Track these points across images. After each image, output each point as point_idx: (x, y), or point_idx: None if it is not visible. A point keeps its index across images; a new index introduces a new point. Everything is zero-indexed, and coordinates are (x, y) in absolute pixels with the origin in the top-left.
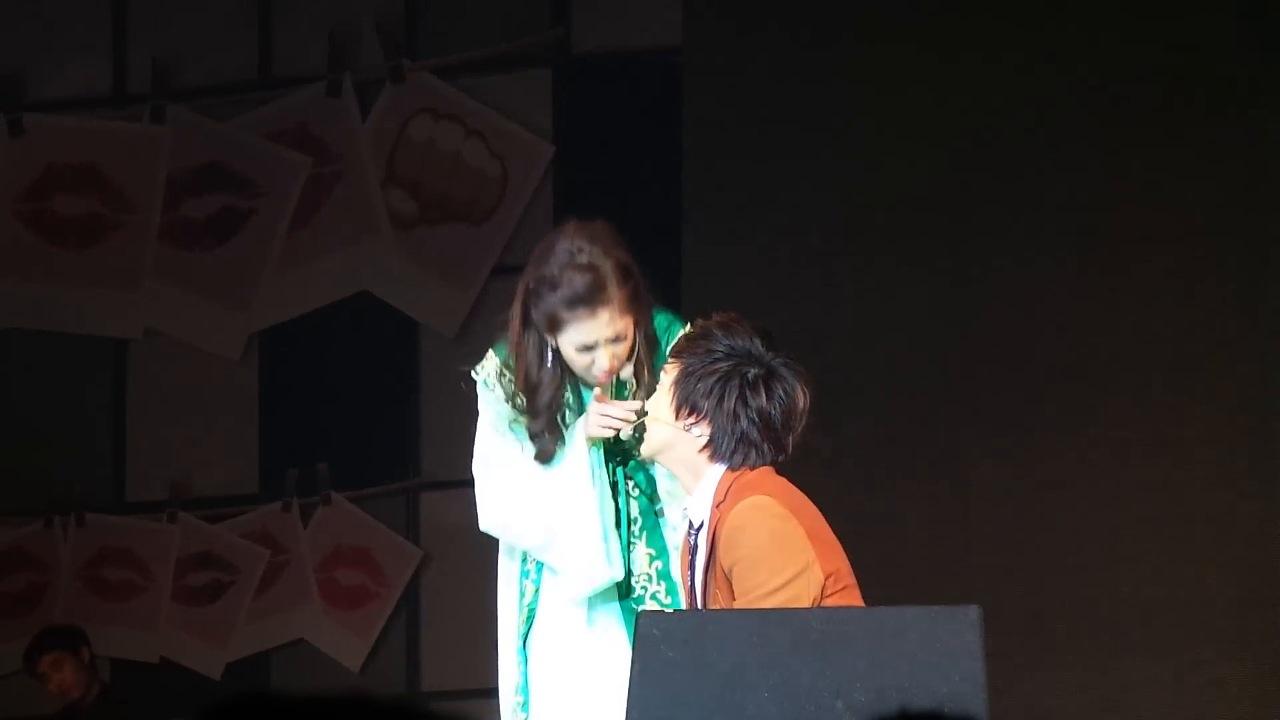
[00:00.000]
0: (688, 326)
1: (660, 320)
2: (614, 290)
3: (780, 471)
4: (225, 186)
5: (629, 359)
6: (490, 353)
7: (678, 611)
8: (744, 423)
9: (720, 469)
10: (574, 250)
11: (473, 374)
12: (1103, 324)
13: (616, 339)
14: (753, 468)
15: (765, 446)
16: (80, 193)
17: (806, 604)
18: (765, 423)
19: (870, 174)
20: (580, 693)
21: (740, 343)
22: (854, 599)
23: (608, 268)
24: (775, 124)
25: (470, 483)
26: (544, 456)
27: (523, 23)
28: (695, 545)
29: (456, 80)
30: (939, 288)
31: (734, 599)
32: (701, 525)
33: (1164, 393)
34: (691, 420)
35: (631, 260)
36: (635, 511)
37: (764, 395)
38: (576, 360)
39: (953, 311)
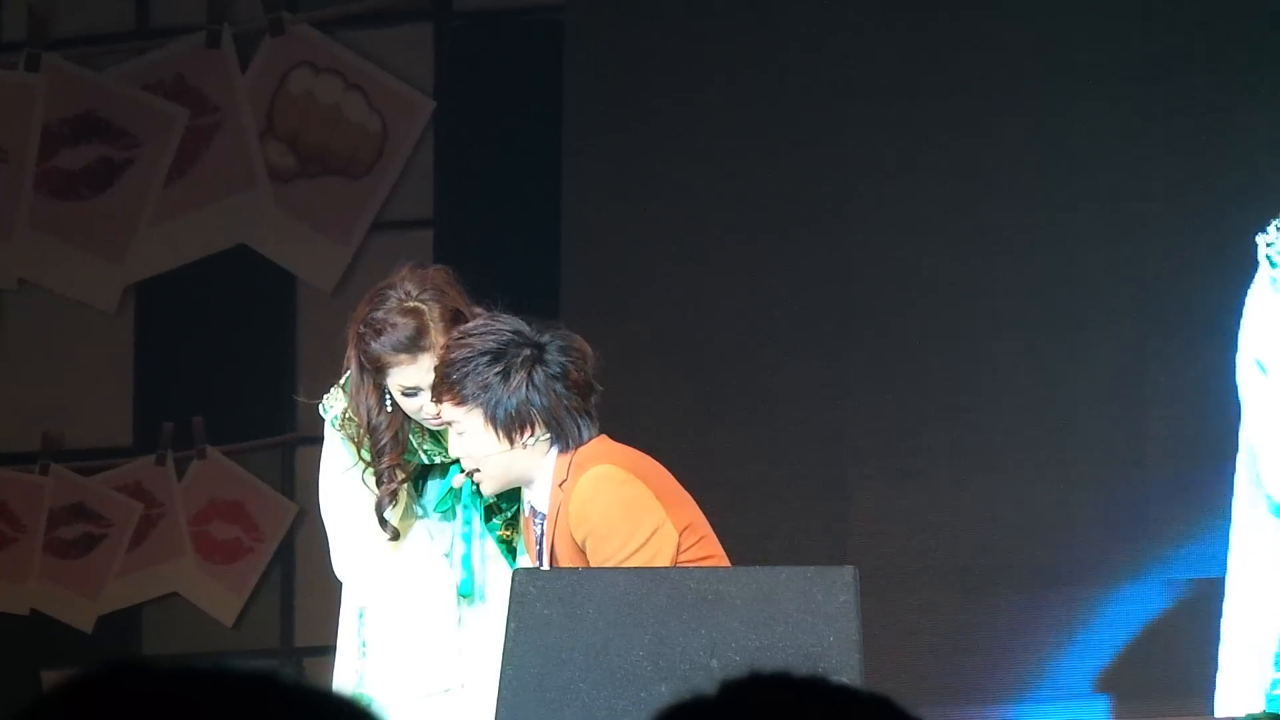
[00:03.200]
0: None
1: None
2: (437, 336)
3: (633, 442)
4: (101, 136)
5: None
6: (338, 390)
7: (554, 569)
8: (565, 399)
9: (553, 455)
10: (401, 296)
11: (320, 410)
12: (983, 283)
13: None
14: (581, 437)
15: (587, 401)
16: None
17: (665, 564)
18: (577, 385)
19: (752, 132)
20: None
21: (494, 341)
22: (713, 548)
23: (435, 314)
24: (658, 81)
25: None
26: (392, 499)
27: None
28: (542, 534)
29: (337, 33)
30: (821, 249)
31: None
32: (544, 511)
33: (1045, 356)
34: (528, 434)
35: (465, 306)
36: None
37: (559, 358)
38: (404, 403)
39: (836, 275)
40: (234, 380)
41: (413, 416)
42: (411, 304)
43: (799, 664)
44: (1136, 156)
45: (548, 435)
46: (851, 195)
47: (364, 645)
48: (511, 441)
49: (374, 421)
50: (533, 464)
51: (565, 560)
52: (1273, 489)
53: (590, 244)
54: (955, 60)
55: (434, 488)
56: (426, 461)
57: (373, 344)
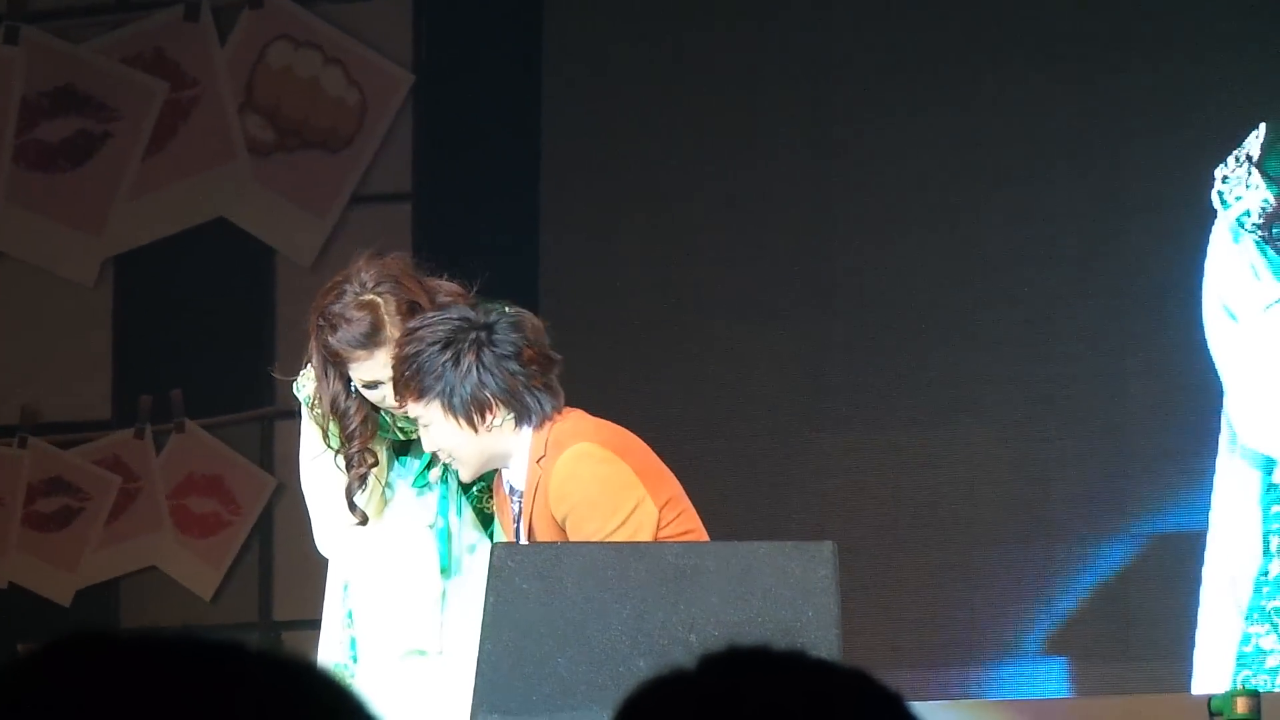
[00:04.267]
0: None
1: None
2: (392, 330)
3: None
4: (80, 109)
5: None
6: (309, 370)
7: (534, 544)
8: (523, 378)
9: (527, 433)
10: (357, 289)
11: (294, 389)
12: (956, 275)
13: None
14: (551, 412)
15: (548, 374)
16: None
17: (646, 540)
18: (535, 361)
19: (736, 107)
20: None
21: (443, 329)
22: (691, 522)
23: (390, 307)
24: (638, 55)
25: None
26: (360, 482)
27: None
28: (519, 512)
29: (316, 7)
30: (801, 226)
31: None
32: (522, 488)
33: (1022, 340)
34: (491, 416)
35: (423, 295)
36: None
37: (514, 338)
38: (367, 394)
39: (817, 254)
40: (213, 354)
41: (379, 406)
42: (367, 297)
43: (778, 639)
44: (1115, 140)
45: (510, 414)
46: (834, 169)
47: (350, 615)
48: (475, 426)
49: (341, 407)
50: (505, 445)
51: (544, 538)
52: (1242, 432)
53: (569, 218)
54: (942, 43)
55: (413, 463)
56: (402, 438)
57: (330, 338)
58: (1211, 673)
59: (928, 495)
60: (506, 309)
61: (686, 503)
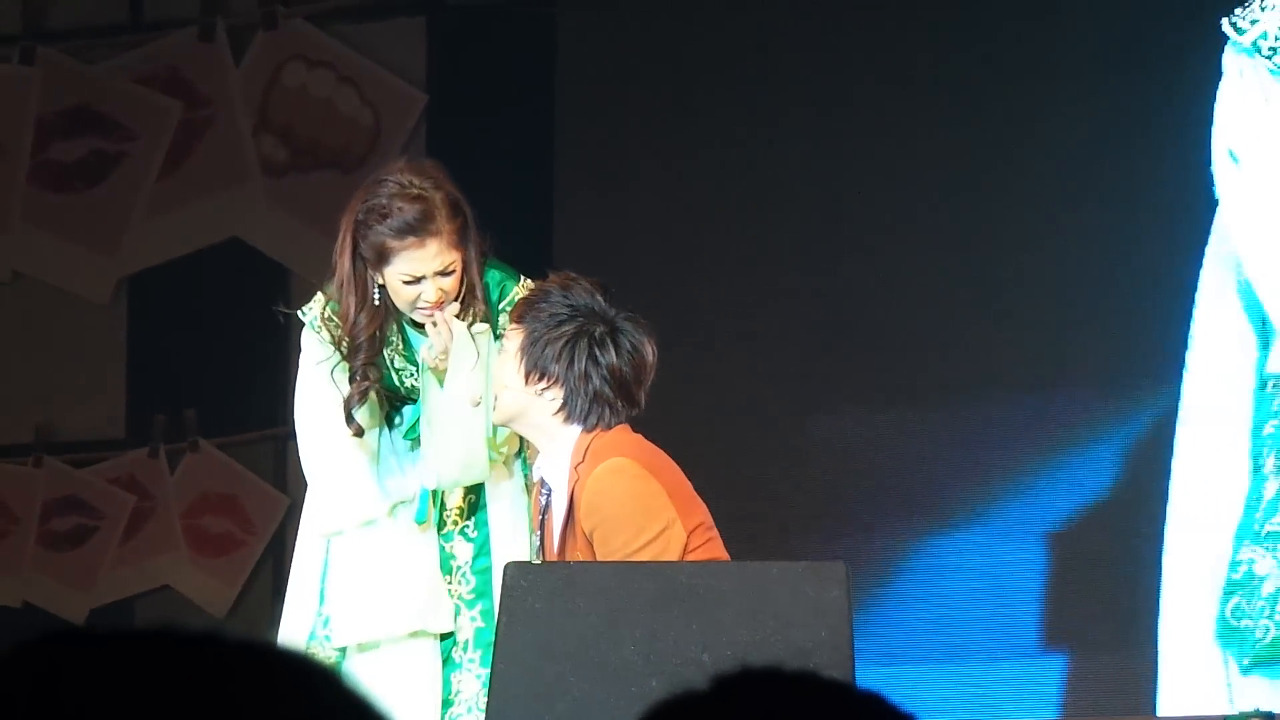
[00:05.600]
0: (521, 282)
1: (492, 275)
2: (443, 222)
3: (639, 428)
4: (95, 130)
5: (456, 299)
6: (319, 295)
7: (546, 563)
8: (596, 382)
9: (575, 431)
10: (404, 183)
11: (299, 314)
12: (953, 274)
13: (444, 273)
14: (607, 426)
15: (619, 404)
16: None
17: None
18: (617, 380)
19: (745, 124)
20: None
21: (582, 301)
22: (718, 550)
23: (438, 199)
24: (649, 74)
25: None
26: (361, 399)
27: None
28: (547, 505)
29: (330, 27)
30: (809, 236)
31: (595, 561)
32: (555, 487)
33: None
34: (543, 385)
35: (461, 198)
36: None
37: (613, 352)
38: (403, 293)
39: (826, 259)
40: (226, 373)
41: (405, 311)
42: (415, 190)
43: (790, 659)
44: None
45: (562, 399)
46: (841, 182)
47: (324, 590)
48: (526, 380)
49: (355, 317)
50: (545, 424)
51: (573, 548)
52: (1247, 267)
53: (583, 237)
54: (950, 55)
55: (407, 414)
56: (397, 384)
57: (376, 227)
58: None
59: (913, 464)
60: (637, 331)
61: (715, 531)
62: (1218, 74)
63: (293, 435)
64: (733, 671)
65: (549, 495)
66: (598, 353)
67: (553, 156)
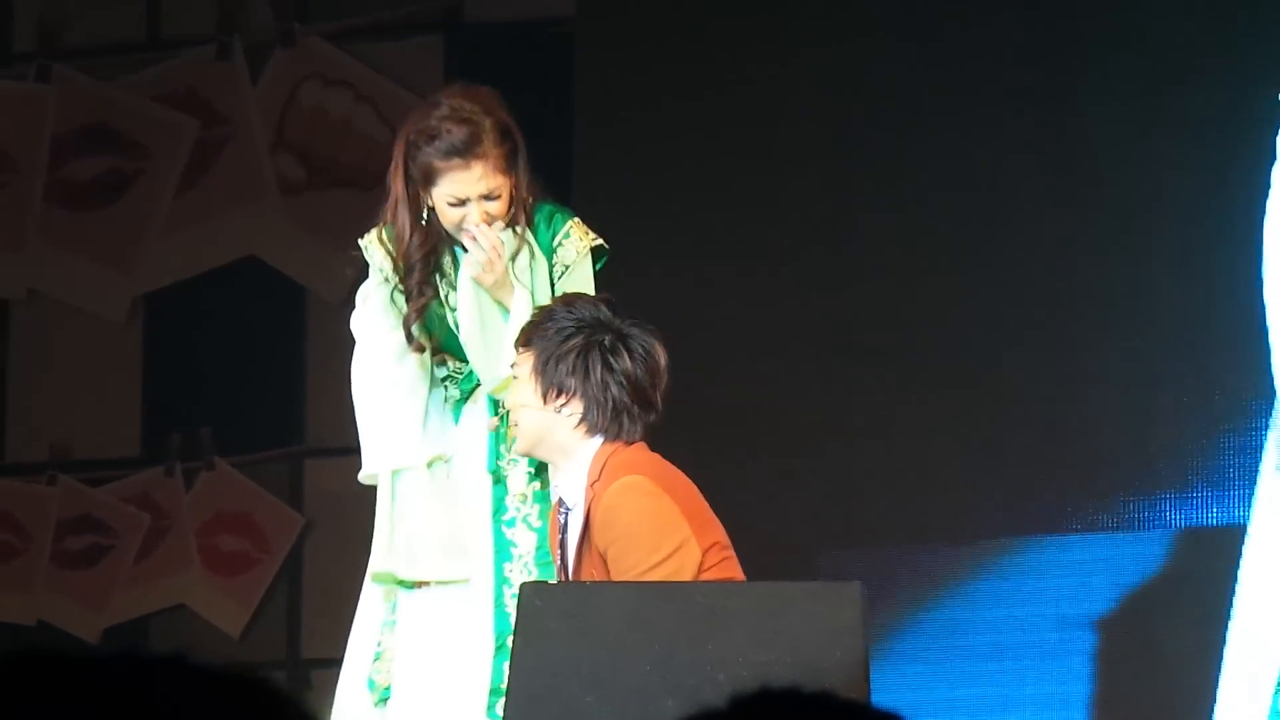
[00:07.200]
0: (571, 220)
1: (543, 210)
2: (490, 146)
3: (657, 447)
4: (111, 148)
5: (504, 222)
6: (379, 224)
7: (561, 583)
8: (614, 390)
9: (594, 444)
10: (455, 106)
11: (360, 242)
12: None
13: (489, 196)
14: (628, 437)
15: (636, 409)
16: None
17: (685, 580)
18: (634, 385)
19: (763, 143)
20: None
21: (586, 313)
22: (733, 569)
23: (486, 124)
24: (667, 93)
25: (353, 450)
26: (419, 315)
27: None
28: (566, 524)
29: (348, 45)
30: (825, 252)
31: (610, 579)
32: (573, 506)
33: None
34: (562, 401)
35: (512, 124)
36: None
37: (626, 358)
38: (448, 215)
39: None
40: (243, 391)
41: (452, 233)
42: (465, 114)
43: (806, 679)
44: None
45: (581, 412)
46: (856, 200)
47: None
48: (545, 400)
49: (410, 237)
50: (565, 440)
51: (588, 566)
52: None
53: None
54: (963, 67)
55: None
56: (450, 319)
57: (425, 149)
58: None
59: (941, 485)
60: (647, 336)
61: (730, 550)
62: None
63: (305, 457)
64: (751, 691)
65: (567, 515)
66: (611, 360)
67: (571, 175)
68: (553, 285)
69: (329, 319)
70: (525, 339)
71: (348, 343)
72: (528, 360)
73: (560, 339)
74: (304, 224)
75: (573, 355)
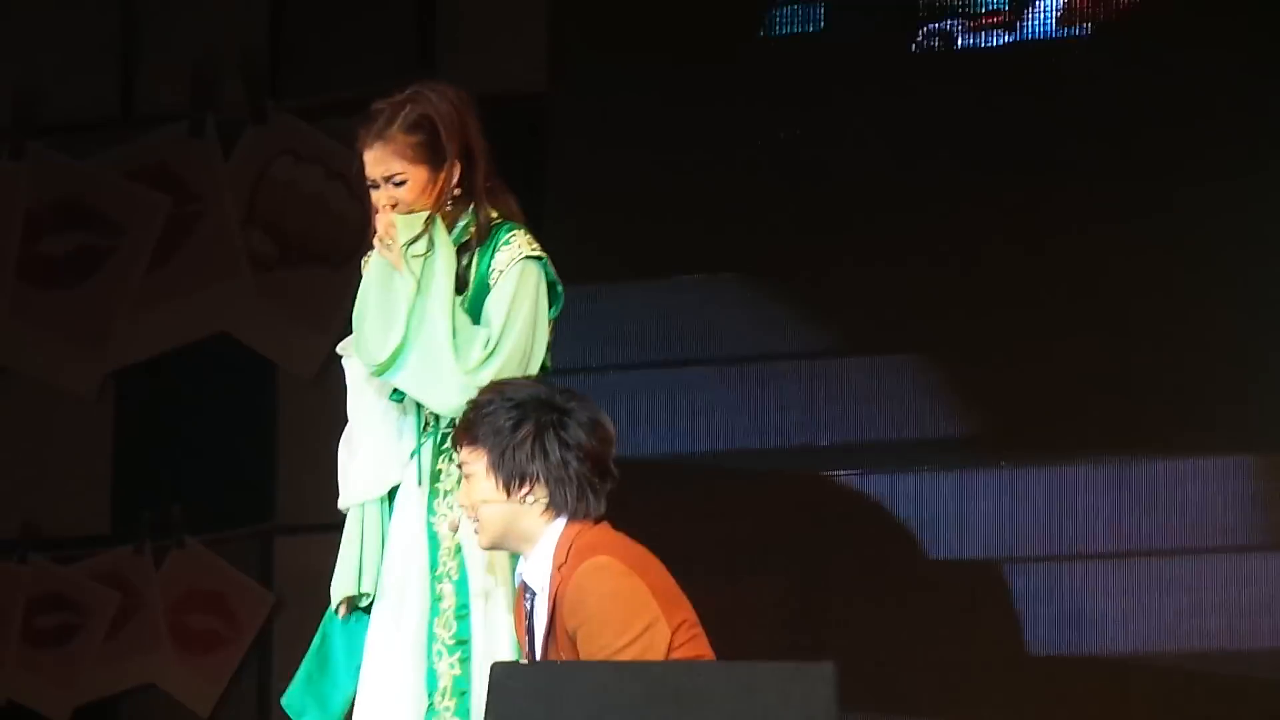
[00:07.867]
0: (516, 229)
1: (506, 225)
2: (396, 131)
3: (620, 526)
4: (84, 224)
5: (417, 214)
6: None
7: (533, 663)
8: (575, 466)
9: (558, 526)
10: (394, 95)
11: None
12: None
13: (393, 180)
14: (594, 513)
15: (597, 481)
16: None
17: (655, 659)
18: (591, 457)
19: (735, 216)
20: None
21: (523, 395)
22: (702, 646)
23: (404, 112)
24: (638, 167)
25: (324, 527)
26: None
27: (387, 65)
28: (532, 610)
29: (320, 122)
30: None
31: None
32: (539, 590)
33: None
34: (525, 490)
35: (444, 121)
36: None
37: (578, 431)
38: (370, 196)
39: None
40: (213, 469)
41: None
42: (392, 101)
43: None
44: None
45: (546, 496)
46: (834, 274)
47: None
48: (509, 493)
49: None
50: (531, 527)
51: (555, 649)
52: None
53: (572, 323)
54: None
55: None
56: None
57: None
58: None
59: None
60: (588, 406)
61: (699, 628)
62: None
63: (275, 535)
64: None
65: (532, 599)
66: (565, 437)
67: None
68: (487, 288)
69: (300, 395)
70: (470, 436)
71: (319, 419)
72: (479, 457)
73: (510, 428)
74: (275, 300)
75: (529, 442)
